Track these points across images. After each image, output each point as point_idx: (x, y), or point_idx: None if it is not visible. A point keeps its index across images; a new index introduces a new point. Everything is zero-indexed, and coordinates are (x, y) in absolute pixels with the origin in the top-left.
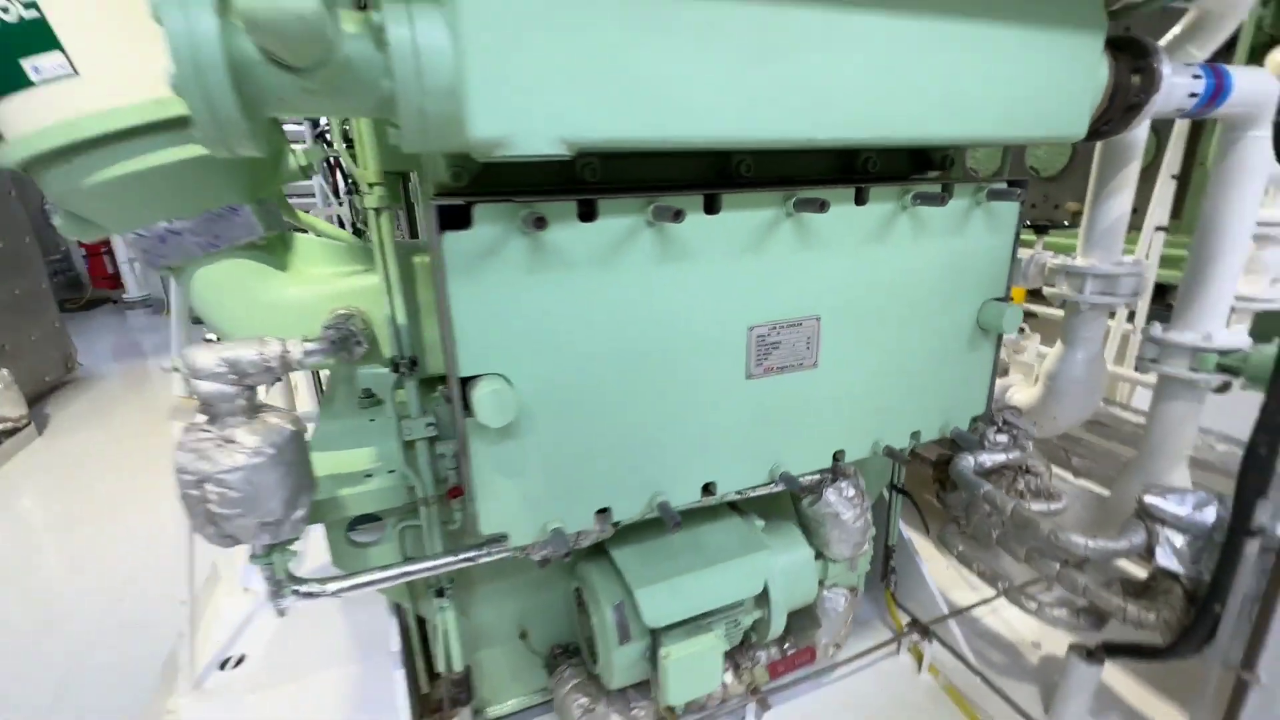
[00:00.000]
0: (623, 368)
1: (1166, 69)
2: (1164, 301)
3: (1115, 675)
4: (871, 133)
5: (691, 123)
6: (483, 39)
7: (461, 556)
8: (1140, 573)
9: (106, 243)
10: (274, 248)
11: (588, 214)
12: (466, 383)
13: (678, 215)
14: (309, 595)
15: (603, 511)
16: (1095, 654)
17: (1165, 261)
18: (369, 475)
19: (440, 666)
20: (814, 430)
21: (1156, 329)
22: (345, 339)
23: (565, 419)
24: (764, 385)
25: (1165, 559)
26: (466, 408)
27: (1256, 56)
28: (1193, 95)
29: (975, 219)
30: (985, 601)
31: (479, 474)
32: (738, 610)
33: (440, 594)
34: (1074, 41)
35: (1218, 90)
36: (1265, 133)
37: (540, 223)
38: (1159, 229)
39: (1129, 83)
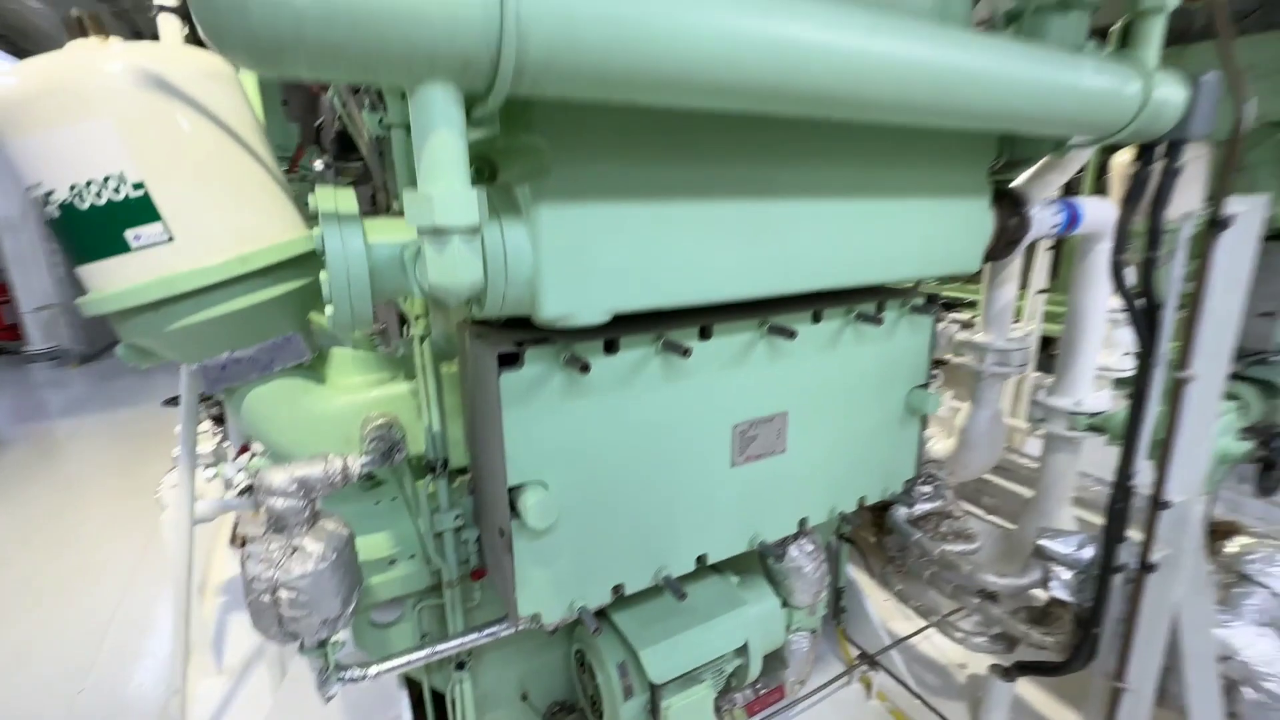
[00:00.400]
0: (635, 466)
1: (1035, 212)
2: (1049, 352)
3: (1027, 689)
4: (826, 282)
5: (700, 290)
6: (554, 243)
7: (486, 632)
8: (1041, 599)
9: (4, 288)
10: (313, 362)
11: (611, 347)
12: (513, 490)
13: (686, 353)
14: (353, 680)
15: (617, 587)
16: (1010, 672)
17: (1049, 317)
18: (392, 562)
19: None
20: (784, 503)
21: (1042, 395)
22: (390, 448)
23: (589, 513)
24: (745, 470)
25: (1057, 591)
26: (514, 512)
27: (1105, 153)
28: (1055, 225)
29: (901, 326)
30: (919, 631)
31: (520, 566)
32: (722, 660)
33: (460, 666)
34: (968, 205)
35: (1073, 220)
36: (1108, 245)
37: (586, 368)
38: (1040, 291)
39: (1009, 225)
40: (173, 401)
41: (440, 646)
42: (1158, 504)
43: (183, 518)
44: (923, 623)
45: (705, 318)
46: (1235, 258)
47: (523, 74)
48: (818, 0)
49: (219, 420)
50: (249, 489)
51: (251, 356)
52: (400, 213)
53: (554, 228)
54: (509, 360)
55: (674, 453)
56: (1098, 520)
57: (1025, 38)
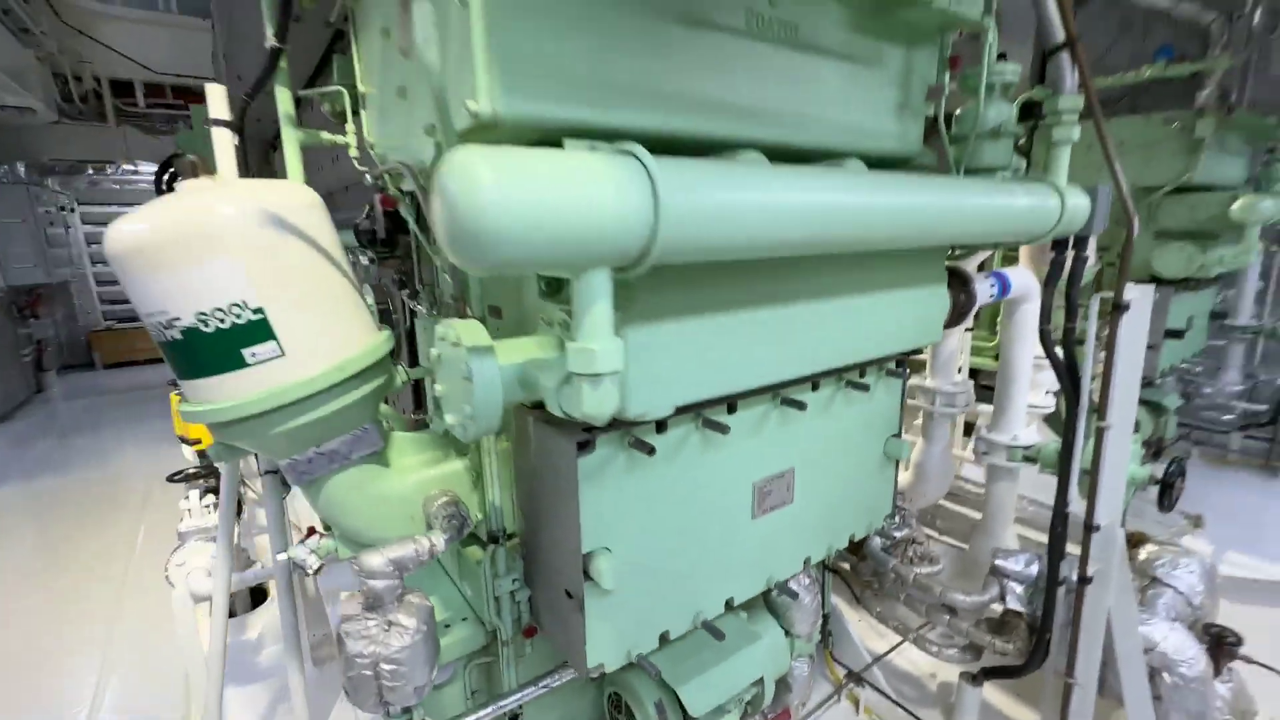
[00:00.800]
0: (678, 526)
1: (977, 286)
2: (977, 380)
3: (991, 693)
4: (831, 364)
5: (738, 380)
6: (638, 357)
7: (542, 685)
8: (997, 611)
9: None
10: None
11: (661, 428)
12: (586, 557)
13: (725, 430)
14: None
15: (663, 634)
16: (977, 678)
17: (975, 350)
18: (448, 625)
19: None
20: (792, 546)
21: (984, 431)
22: (461, 524)
23: (641, 570)
24: (762, 521)
25: (1012, 603)
26: (587, 575)
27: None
28: (992, 294)
29: (879, 387)
30: (896, 647)
31: (590, 624)
32: (744, 690)
33: (514, 718)
34: (932, 291)
35: (1004, 288)
36: (1034, 305)
37: (651, 451)
38: (967, 329)
39: (959, 300)
40: (177, 477)
41: (505, 702)
42: (1089, 528)
43: (220, 597)
44: (898, 640)
45: (731, 396)
46: (1133, 332)
47: (655, 256)
48: (826, 176)
49: (214, 492)
50: (319, 569)
51: (334, 449)
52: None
53: (638, 345)
54: (584, 446)
55: (709, 511)
56: (1035, 535)
57: (969, 158)
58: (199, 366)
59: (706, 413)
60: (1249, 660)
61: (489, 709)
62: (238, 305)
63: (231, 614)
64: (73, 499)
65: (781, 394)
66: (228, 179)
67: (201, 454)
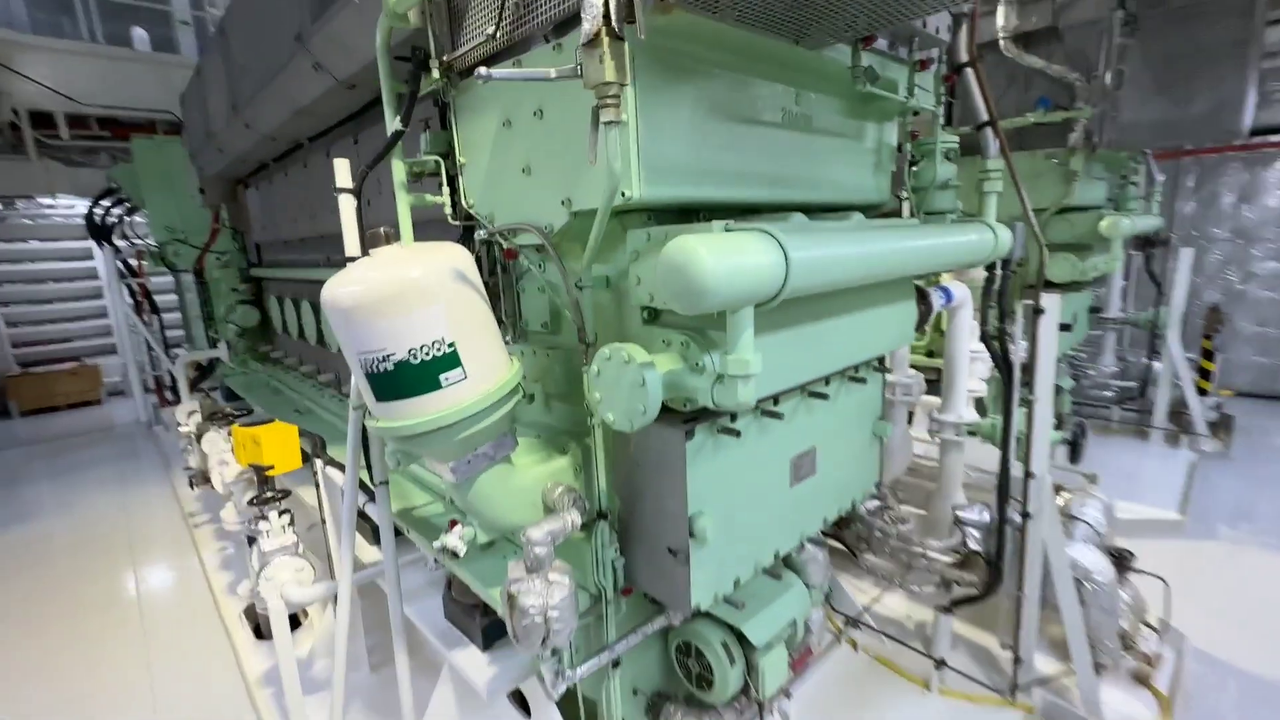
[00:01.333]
0: (745, 493)
1: (933, 298)
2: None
3: (959, 625)
4: (844, 364)
5: (789, 379)
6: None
7: (641, 632)
8: (960, 554)
9: None
10: None
11: (733, 418)
12: (691, 518)
13: (780, 416)
14: (569, 680)
15: (736, 580)
16: (948, 609)
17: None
18: None
19: (612, 716)
20: (816, 509)
21: (935, 413)
22: (584, 506)
23: (723, 528)
24: (797, 489)
25: (973, 544)
26: (691, 534)
27: None
28: (942, 303)
29: (870, 379)
30: (883, 594)
31: (695, 574)
32: (786, 628)
33: (615, 664)
34: (908, 305)
35: (949, 298)
36: (968, 309)
37: (738, 434)
38: None
39: (922, 309)
40: (256, 500)
41: (616, 648)
42: (1028, 475)
43: (345, 591)
44: (883, 589)
45: (783, 391)
46: (1048, 331)
47: (782, 297)
48: (865, 233)
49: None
50: (454, 554)
51: (487, 452)
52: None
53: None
54: (689, 434)
55: (763, 481)
56: (977, 496)
57: (925, 205)
58: (404, 390)
59: (763, 405)
60: (1140, 571)
61: (605, 655)
62: (438, 342)
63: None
64: (53, 547)
65: (809, 388)
66: (411, 245)
67: (265, 479)
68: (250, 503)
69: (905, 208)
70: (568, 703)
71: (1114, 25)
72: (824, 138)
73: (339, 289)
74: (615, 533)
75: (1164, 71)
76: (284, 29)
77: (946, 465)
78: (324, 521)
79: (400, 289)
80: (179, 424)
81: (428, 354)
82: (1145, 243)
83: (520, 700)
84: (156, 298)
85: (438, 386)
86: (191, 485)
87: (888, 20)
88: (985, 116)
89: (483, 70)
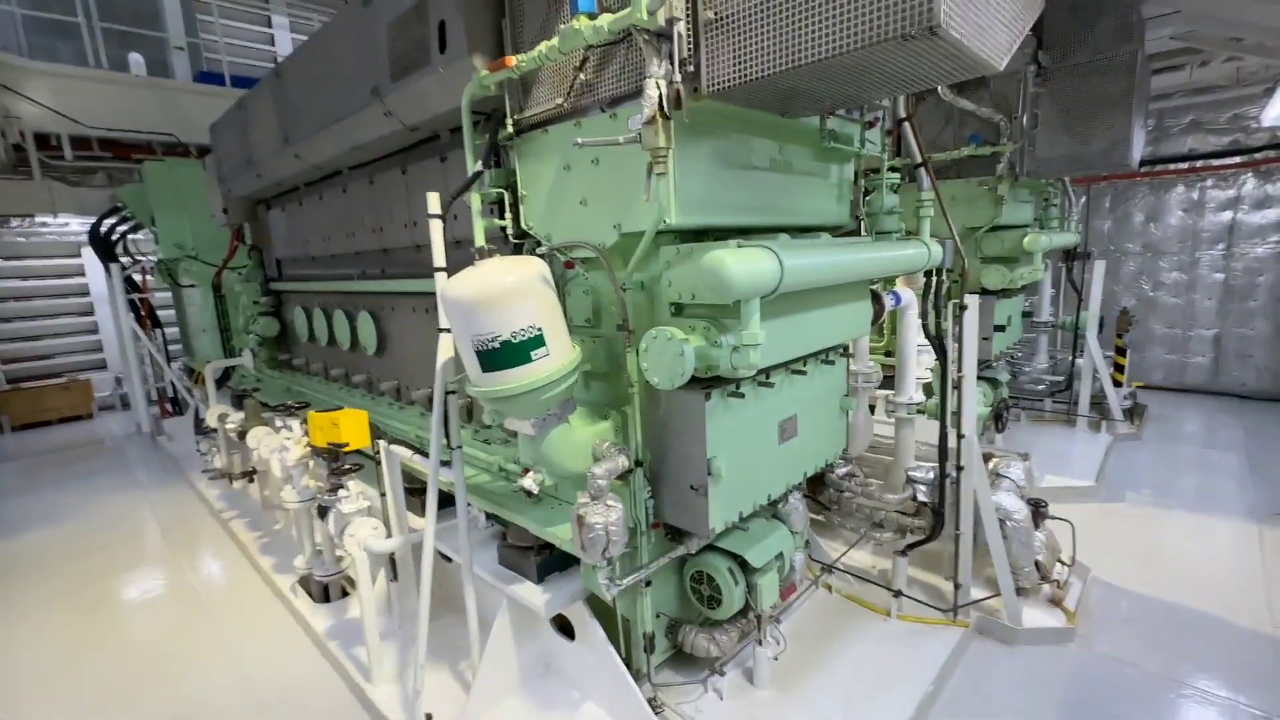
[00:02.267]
0: (747, 445)
1: (885, 300)
2: None
3: (912, 568)
4: (815, 347)
5: (779, 356)
6: None
7: (670, 555)
8: (911, 507)
9: None
10: None
11: (738, 385)
12: (710, 460)
13: (772, 385)
14: (618, 585)
15: (740, 513)
16: (904, 552)
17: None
18: None
19: (644, 629)
20: (798, 464)
21: (890, 395)
22: (626, 456)
23: (732, 470)
24: (784, 447)
25: (922, 496)
26: (709, 472)
27: None
28: (892, 305)
29: (837, 363)
30: (853, 545)
31: (711, 504)
32: (774, 559)
33: (648, 584)
34: (863, 303)
35: (898, 300)
36: (914, 310)
37: (743, 396)
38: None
39: (876, 308)
40: (339, 468)
41: (652, 565)
42: (960, 437)
43: (428, 549)
44: (850, 544)
45: (774, 366)
46: (971, 324)
47: (778, 292)
48: (837, 247)
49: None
50: (529, 492)
51: (557, 413)
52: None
53: None
54: (707, 396)
55: (760, 437)
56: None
57: (876, 226)
58: (506, 363)
59: (759, 377)
60: (1053, 517)
61: (647, 570)
62: (531, 327)
63: (326, 599)
64: (91, 543)
65: (791, 366)
66: (508, 257)
67: (333, 456)
68: (332, 473)
69: (861, 228)
70: (606, 627)
71: (1029, 76)
72: (800, 177)
73: (462, 289)
74: (647, 479)
75: (1069, 115)
76: (360, 83)
77: (901, 438)
78: (383, 495)
79: (507, 289)
80: (206, 428)
81: (524, 336)
82: (1068, 255)
83: (562, 628)
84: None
85: (529, 360)
86: (230, 481)
87: (842, 105)
88: (919, 159)
89: (578, 139)
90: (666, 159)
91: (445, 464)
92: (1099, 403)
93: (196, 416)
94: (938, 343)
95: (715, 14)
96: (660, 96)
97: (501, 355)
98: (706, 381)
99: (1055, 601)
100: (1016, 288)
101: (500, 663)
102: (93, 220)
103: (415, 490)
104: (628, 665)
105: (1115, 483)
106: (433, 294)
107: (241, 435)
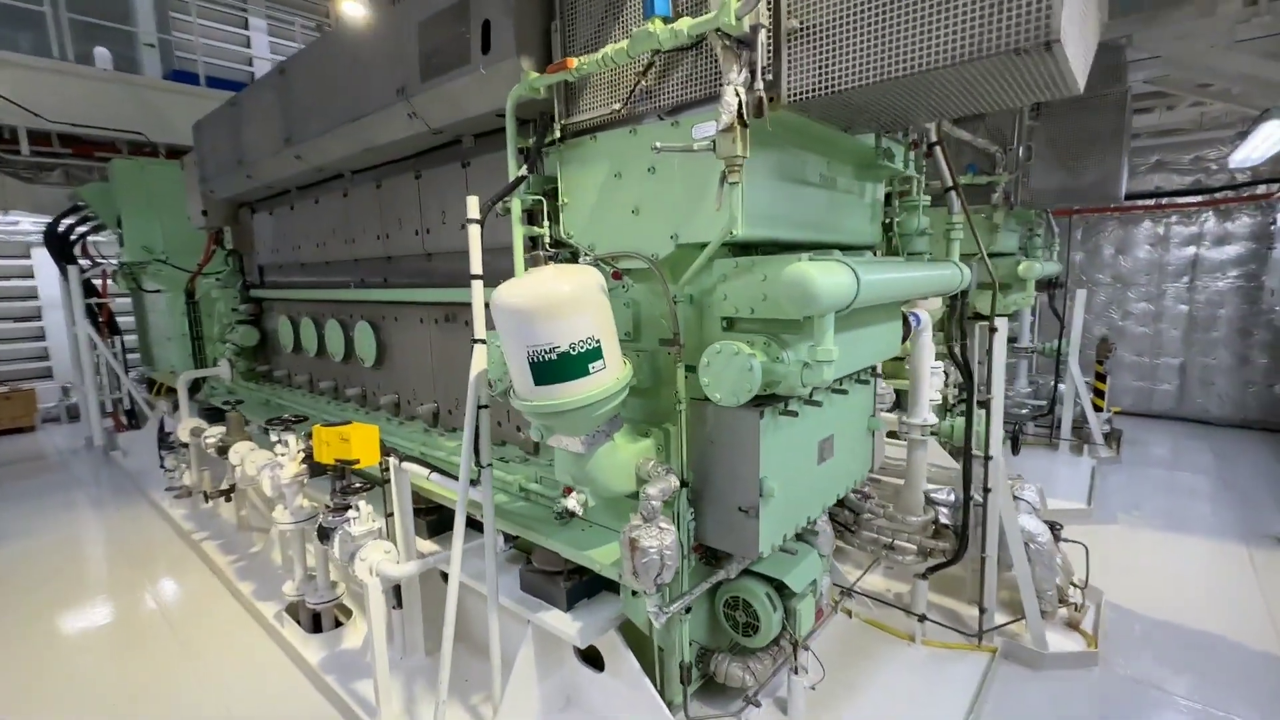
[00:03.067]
0: (792, 466)
1: (910, 321)
2: None
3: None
4: (856, 367)
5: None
6: None
7: (712, 580)
8: (931, 528)
9: None
10: None
11: (787, 403)
12: (762, 481)
13: (819, 404)
14: (665, 612)
15: (784, 535)
16: (924, 575)
17: None
18: None
19: (682, 657)
20: (832, 487)
21: (904, 417)
22: (676, 476)
23: (780, 492)
24: (821, 468)
25: (944, 519)
26: (761, 494)
27: None
28: (916, 324)
29: (870, 381)
30: (866, 571)
31: (763, 526)
32: (809, 584)
33: (688, 610)
34: (896, 323)
35: (918, 320)
36: (929, 332)
37: (795, 414)
38: None
39: (904, 328)
40: (350, 488)
41: (695, 591)
42: (987, 458)
43: (454, 574)
44: (867, 565)
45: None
46: (1000, 345)
47: (853, 306)
48: (896, 266)
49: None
50: (572, 513)
51: (606, 429)
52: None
53: None
54: (761, 414)
55: (802, 457)
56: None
57: (907, 247)
58: (563, 375)
59: (808, 394)
60: (1068, 540)
61: (693, 594)
62: (590, 338)
63: (318, 628)
64: (37, 570)
65: (832, 386)
66: (560, 265)
67: (341, 474)
68: (340, 492)
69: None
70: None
71: (1023, 110)
72: (843, 194)
73: (518, 296)
74: (689, 500)
75: (1062, 148)
76: (382, 82)
77: (913, 459)
78: (389, 515)
79: (567, 298)
80: (172, 442)
81: (582, 348)
82: (1048, 284)
83: (586, 658)
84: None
85: (586, 373)
86: (205, 498)
87: (904, 124)
88: (950, 182)
89: (657, 143)
90: (740, 168)
91: (473, 483)
92: (1079, 427)
93: (161, 430)
94: (964, 364)
95: (800, 23)
96: (740, 104)
97: (559, 367)
98: (758, 399)
99: (1072, 625)
100: (1008, 313)
101: (523, 697)
102: (48, 220)
103: (418, 510)
104: (660, 696)
105: (1106, 505)
106: (444, 304)
107: (222, 450)
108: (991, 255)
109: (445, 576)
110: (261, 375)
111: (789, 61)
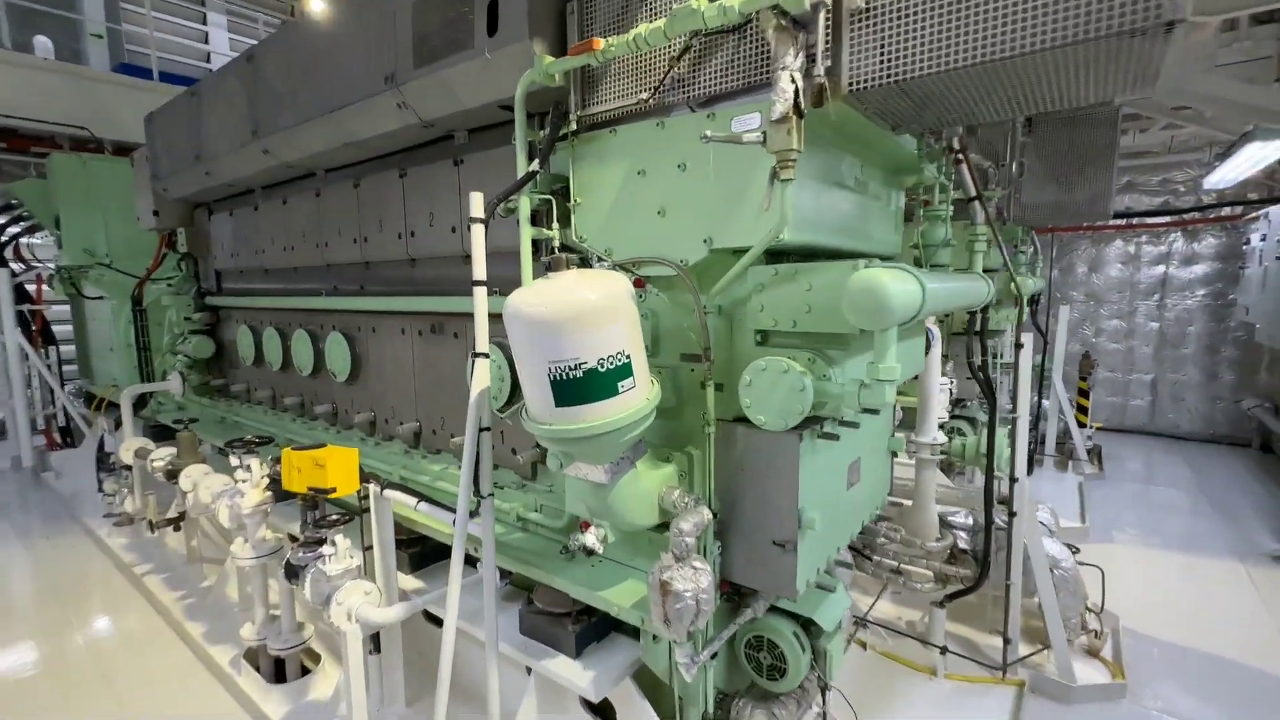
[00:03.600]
0: (825, 491)
1: (928, 336)
2: None
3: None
4: None
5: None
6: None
7: (737, 623)
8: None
9: None
10: None
11: (822, 426)
12: (800, 511)
13: (857, 425)
14: (696, 662)
15: (818, 569)
16: (942, 603)
17: None
18: None
19: (705, 707)
20: (858, 512)
21: (913, 436)
22: (707, 506)
23: (819, 524)
24: (849, 493)
25: (963, 544)
26: (800, 525)
27: None
28: (932, 339)
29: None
30: (877, 599)
31: (801, 561)
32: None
33: (714, 656)
34: (921, 339)
35: (933, 336)
36: (938, 349)
37: (837, 437)
38: None
39: (925, 344)
40: (324, 521)
41: (724, 634)
42: (1013, 480)
43: (450, 622)
44: (883, 591)
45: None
46: (1026, 360)
47: (918, 318)
48: (947, 277)
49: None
50: (590, 551)
51: (630, 455)
52: None
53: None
54: (800, 437)
55: (834, 483)
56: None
57: (931, 259)
58: (590, 395)
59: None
60: (1084, 563)
61: (715, 643)
62: (620, 353)
63: (281, 678)
64: None
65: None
66: (583, 270)
67: (314, 504)
68: (314, 524)
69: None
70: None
71: (1016, 126)
72: (872, 200)
73: (540, 305)
74: (715, 533)
75: (1054, 164)
76: (367, 69)
77: (923, 479)
78: (367, 549)
79: (597, 307)
80: (113, 463)
81: (612, 364)
82: (1031, 300)
83: (592, 708)
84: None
85: (616, 393)
86: (152, 528)
87: (965, 120)
88: (974, 192)
89: (707, 132)
90: (794, 164)
91: (472, 515)
92: (1061, 443)
93: (100, 449)
94: (985, 381)
95: (866, 3)
96: (797, 91)
97: (585, 386)
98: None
99: (1092, 652)
100: (999, 329)
101: None
102: None
103: (399, 542)
104: None
105: (1101, 523)
106: (429, 314)
107: (171, 475)
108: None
109: (430, 616)
110: (217, 390)
111: (851, 45)
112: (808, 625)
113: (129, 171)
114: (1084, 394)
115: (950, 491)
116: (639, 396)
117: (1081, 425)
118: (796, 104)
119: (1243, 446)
